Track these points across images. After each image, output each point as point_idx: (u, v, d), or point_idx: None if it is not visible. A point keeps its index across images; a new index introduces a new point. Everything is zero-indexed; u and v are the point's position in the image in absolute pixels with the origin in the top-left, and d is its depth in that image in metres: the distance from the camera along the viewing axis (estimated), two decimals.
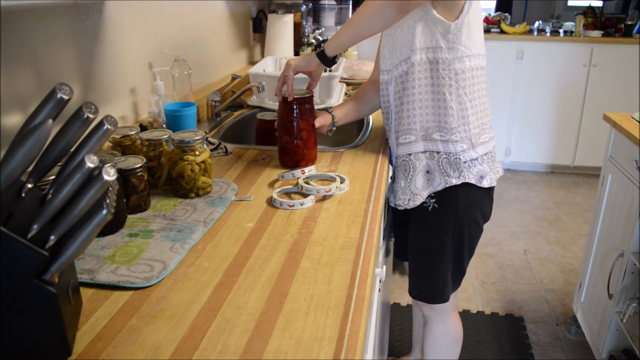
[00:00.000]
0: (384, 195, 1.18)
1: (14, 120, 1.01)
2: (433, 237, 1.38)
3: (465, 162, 1.29)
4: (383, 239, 1.40)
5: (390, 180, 1.45)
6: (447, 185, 1.30)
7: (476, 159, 1.30)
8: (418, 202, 1.34)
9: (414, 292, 1.49)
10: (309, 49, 2.74)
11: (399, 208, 1.38)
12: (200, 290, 0.78)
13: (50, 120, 0.59)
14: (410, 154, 1.33)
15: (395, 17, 1.20)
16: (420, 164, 1.32)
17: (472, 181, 1.30)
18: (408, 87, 1.28)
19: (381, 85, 1.36)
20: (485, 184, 1.32)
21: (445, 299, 1.45)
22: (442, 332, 1.56)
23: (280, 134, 1.30)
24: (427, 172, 1.32)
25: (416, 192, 1.34)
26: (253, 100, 1.92)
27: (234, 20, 2.30)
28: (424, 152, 1.31)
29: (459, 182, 1.29)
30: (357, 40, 1.32)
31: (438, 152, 1.30)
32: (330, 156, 1.37)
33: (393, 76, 1.30)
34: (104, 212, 0.59)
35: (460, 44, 1.23)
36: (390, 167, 1.44)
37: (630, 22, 3.84)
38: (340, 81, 2.10)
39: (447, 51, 1.23)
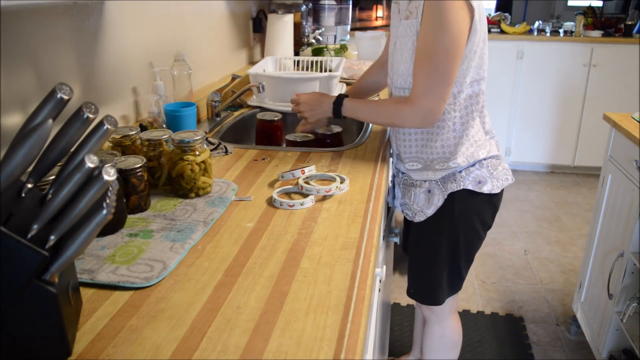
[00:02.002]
0: (384, 195, 1.18)
1: (14, 120, 1.01)
2: (428, 237, 1.39)
3: (461, 171, 1.31)
4: (383, 239, 1.40)
5: (390, 184, 1.46)
6: (447, 197, 1.32)
7: (473, 164, 1.31)
8: (423, 219, 1.37)
9: (409, 290, 1.50)
10: (309, 50, 2.74)
11: (407, 218, 1.42)
12: (200, 290, 0.78)
13: (50, 120, 0.59)
14: (416, 180, 1.37)
15: (413, 128, 1.30)
16: (423, 186, 1.36)
17: (470, 187, 1.30)
18: None
19: (388, 80, 1.40)
20: (485, 189, 1.31)
21: (438, 302, 1.45)
22: (439, 334, 1.56)
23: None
24: (429, 191, 1.35)
25: (418, 210, 1.37)
26: (253, 100, 1.92)
27: (234, 20, 2.30)
28: (427, 180, 1.35)
29: (456, 189, 1.30)
30: (371, 123, 1.55)
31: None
32: (330, 156, 1.37)
33: (395, 87, 1.33)
34: (104, 212, 0.59)
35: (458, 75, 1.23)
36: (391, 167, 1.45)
37: (630, 22, 3.84)
38: (340, 81, 2.10)
39: None
